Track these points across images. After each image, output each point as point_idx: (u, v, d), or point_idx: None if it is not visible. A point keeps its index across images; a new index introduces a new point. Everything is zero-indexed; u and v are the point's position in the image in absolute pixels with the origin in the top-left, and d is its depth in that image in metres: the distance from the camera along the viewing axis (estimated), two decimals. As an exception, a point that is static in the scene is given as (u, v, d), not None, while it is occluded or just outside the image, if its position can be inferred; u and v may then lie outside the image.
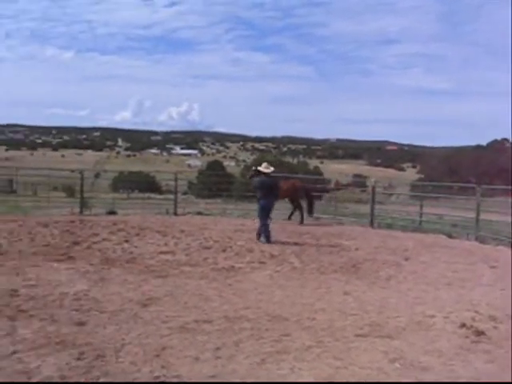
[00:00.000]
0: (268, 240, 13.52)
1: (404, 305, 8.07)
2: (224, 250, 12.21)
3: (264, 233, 13.64)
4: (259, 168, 14.53)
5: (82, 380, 4.93)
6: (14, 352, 5.51)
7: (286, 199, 18.79)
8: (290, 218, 18.61)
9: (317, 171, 67.48)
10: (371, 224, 18.15)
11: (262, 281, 9.45)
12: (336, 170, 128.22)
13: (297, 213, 18.60)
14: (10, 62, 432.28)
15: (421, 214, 19.22)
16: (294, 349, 5.92)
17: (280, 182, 17.36)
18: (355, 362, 5.57)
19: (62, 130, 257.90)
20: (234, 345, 5.99)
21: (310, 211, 18.74)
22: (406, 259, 11.99)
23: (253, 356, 5.66)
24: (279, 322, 6.94)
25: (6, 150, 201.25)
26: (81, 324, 6.55)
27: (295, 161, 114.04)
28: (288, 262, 11.18)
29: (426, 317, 7.42)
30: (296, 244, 13.44)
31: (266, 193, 13.87)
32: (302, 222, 18.03)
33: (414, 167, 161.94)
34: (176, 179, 21.33)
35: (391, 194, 35.34)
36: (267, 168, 14.32)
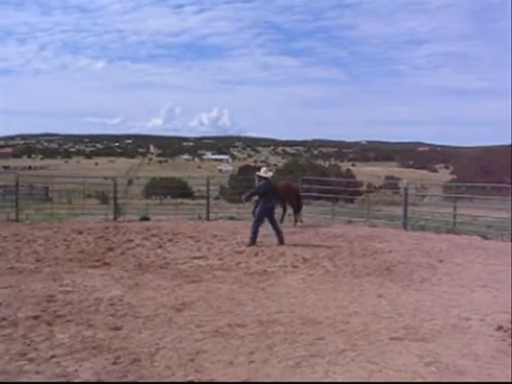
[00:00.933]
0: (253, 242, 13.57)
1: (439, 307, 7.98)
2: (256, 254, 12.23)
3: (254, 233, 13.70)
4: (259, 173, 14.61)
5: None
6: (53, 356, 5.62)
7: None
8: (296, 221, 18.32)
9: (349, 174, 67.09)
10: (404, 226, 17.97)
11: (295, 284, 9.44)
12: (368, 172, 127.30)
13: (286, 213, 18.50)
14: (45, 73, 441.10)
15: (454, 216, 18.94)
16: (328, 352, 5.90)
17: (279, 185, 17.43)
18: (390, 366, 5.53)
19: (94, 138, 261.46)
20: (268, 349, 6.00)
21: (297, 211, 18.32)
22: (440, 261, 11.85)
23: (286, 360, 5.66)
24: (313, 326, 6.93)
25: (42, 158, 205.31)
26: (116, 329, 6.64)
27: (327, 164, 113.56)
28: (321, 266, 11.14)
29: (462, 319, 7.32)
30: (329, 247, 13.39)
31: (271, 197, 14.07)
32: (281, 222, 17.40)
33: (446, 168, 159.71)
34: (208, 184, 21.43)
35: (424, 196, 35.01)
36: (266, 173, 14.50)
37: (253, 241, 13.63)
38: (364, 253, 12.76)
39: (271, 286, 9.25)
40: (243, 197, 14.96)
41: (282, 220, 17.53)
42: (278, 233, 13.96)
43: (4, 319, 6.92)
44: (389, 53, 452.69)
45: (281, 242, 13.79)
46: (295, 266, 11.09)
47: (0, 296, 8.10)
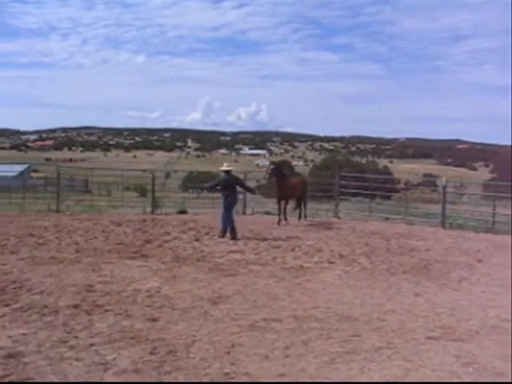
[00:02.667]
0: (235, 236, 13.73)
1: (477, 308, 7.87)
2: (293, 250, 12.24)
3: (230, 229, 13.87)
4: (221, 168, 14.90)
5: (155, 374, 5.06)
6: (92, 344, 5.75)
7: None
8: (300, 217, 17.92)
9: (386, 171, 66.40)
10: (442, 224, 17.76)
11: (331, 281, 9.43)
12: (406, 169, 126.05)
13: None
14: (87, 67, 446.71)
15: (494, 215, 18.61)
16: (364, 349, 5.89)
17: (292, 179, 17.67)
18: (426, 365, 5.49)
19: (134, 132, 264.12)
20: (303, 344, 6.01)
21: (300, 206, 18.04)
22: (479, 261, 11.68)
23: (322, 356, 5.66)
24: (349, 323, 6.91)
25: (82, 151, 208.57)
26: (153, 320, 6.73)
27: (364, 160, 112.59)
28: (357, 263, 11.09)
29: (501, 320, 7.21)
30: (366, 244, 13.32)
31: (231, 190, 14.27)
32: (306, 218, 17.76)
33: (486, 166, 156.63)
34: (245, 179, 21.49)
35: (463, 194, 34.44)
36: (228, 166, 14.75)
37: (222, 233, 13.85)
38: (401, 250, 12.66)
39: (307, 282, 9.25)
40: (205, 186, 16.17)
41: (300, 216, 17.65)
42: (232, 229, 13.93)
43: (46, 307, 7.10)
44: (429, 49, 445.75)
45: (234, 236, 13.80)
46: (332, 262, 11.06)
47: (42, 284, 8.30)
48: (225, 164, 15.06)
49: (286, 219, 16.92)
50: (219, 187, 14.74)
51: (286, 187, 16.77)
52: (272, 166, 16.98)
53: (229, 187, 14.24)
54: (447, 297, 8.51)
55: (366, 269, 10.58)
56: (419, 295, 8.54)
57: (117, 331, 6.25)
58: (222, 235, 13.83)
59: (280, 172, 16.97)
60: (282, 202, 16.98)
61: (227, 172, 14.52)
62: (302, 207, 17.93)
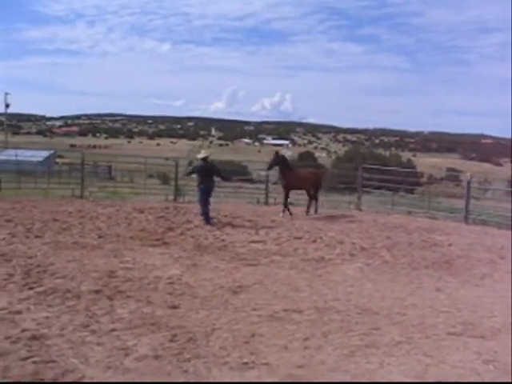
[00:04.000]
0: (208, 221, 13.94)
1: (499, 305, 7.78)
2: (314, 241, 12.21)
3: (203, 215, 14.15)
4: (197, 155, 15.20)
5: (175, 361, 5.11)
6: (113, 330, 5.83)
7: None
8: (308, 210, 17.40)
9: (410, 164, 65.86)
10: (465, 219, 17.56)
11: (352, 273, 9.40)
12: (429, 163, 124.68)
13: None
14: (112, 55, 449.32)
15: (518, 211, 18.35)
16: (384, 343, 5.88)
17: (300, 171, 17.69)
18: (446, 361, 5.46)
19: (157, 120, 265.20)
20: (323, 336, 6.02)
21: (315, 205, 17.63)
22: (502, 258, 11.52)
23: (341, 348, 5.66)
24: (369, 316, 6.90)
25: (106, 138, 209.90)
26: (174, 307, 6.79)
27: (387, 153, 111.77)
28: (379, 256, 11.03)
29: (524, 319, 7.12)
30: (387, 237, 13.23)
31: (206, 177, 14.41)
32: (316, 212, 17.29)
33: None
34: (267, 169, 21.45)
35: (487, 190, 34.05)
36: (204, 154, 14.90)
37: (206, 221, 14.00)
38: (423, 245, 12.56)
39: (328, 274, 9.24)
40: (184, 173, 16.23)
41: (308, 210, 17.24)
42: (204, 213, 14.21)
43: (69, 291, 7.20)
44: (456, 41, 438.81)
45: (207, 221, 14.02)
46: (353, 255, 11.02)
47: (65, 269, 8.41)
48: (202, 151, 15.29)
49: (289, 210, 16.51)
50: (195, 173, 15.03)
51: (290, 177, 16.62)
52: (273, 156, 16.85)
53: (204, 174, 14.43)
54: (469, 293, 8.44)
55: (387, 262, 10.52)
56: (441, 290, 8.48)
57: (138, 317, 6.32)
58: (208, 221, 13.99)
59: (283, 161, 16.85)
60: (286, 192, 16.78)
61: (204, 159, 14.73)
62: (314, 201, 17.55)
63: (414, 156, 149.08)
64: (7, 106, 70.77)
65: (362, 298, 7.79)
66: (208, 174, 14.47)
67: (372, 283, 8.73)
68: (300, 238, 12.47)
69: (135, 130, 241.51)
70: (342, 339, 5.95)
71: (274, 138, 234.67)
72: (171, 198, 19.81)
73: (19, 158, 27.50)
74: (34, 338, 5.46)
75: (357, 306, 7.32)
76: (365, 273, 9.52)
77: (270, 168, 17.29)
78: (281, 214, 16.22)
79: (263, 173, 22.40)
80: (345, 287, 8.36)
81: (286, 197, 16.73)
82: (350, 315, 6.87)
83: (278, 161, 16.62)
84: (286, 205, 16.58)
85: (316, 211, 17.37)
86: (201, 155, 14.91)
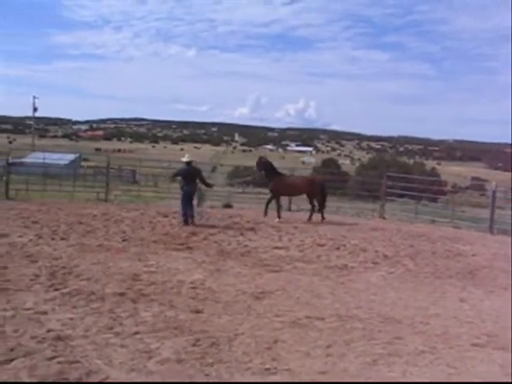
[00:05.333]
0: (186, 222, 14.45)
1: (524, 317, 7.68)
2: (337, 248, 12.18)
3: (183, 216, 14.65)
4: (182, 159, 15.68)
5: (197, 365, 5.13)
6: (137, 332, 5.87)
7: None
8: (311, 217, 17.21)
9: (433, 173, 65.39)
10: (490, 229, 17.39)
11: (375, 281, 9.35)
12: (453, 172, 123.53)
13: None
14: (138, 60, 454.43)
15: (544, 222, 18.09)
16: (406, 352, 5.83)
17: (298, 178, 17.90)
18: (470, 372, 5.41)
19: (182, 125, 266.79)
20: (345, 344, 6.00)
21: (321, 208, 17.41)
22: (527, 269, 11.38)
23: (364, 356, 5.64)
24: (391, 324, 6.85)
25: (131, 142, 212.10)
26: (197, 312, 6.82)
27: (411, 161, 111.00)
28: (402, 264, 10.97)
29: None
30: (410, 246, 13.15)
31: (189, 180, 15.03)
32: (310, 219, 17.00)
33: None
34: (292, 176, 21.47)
35: (513, 200, 33.59)
36: (187, 158, 15.42)
37: (184, 222, 14.48)
38: (447, 254, 12.45)
39: (351, 281, 9.21)
40: (170, 176, 17.29)
41: (310, 217, 17.07)
42: (191, 216, 14.73)
43: (93, 293, 7.27)
44: (482, 49, 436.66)
45: (192, 221, 14.62)
46: (376, 263, 10.97)
47: (90, 271, 8.50)
48: (186, 155, 15.79)
49: (278, 214, 16.72)
50: (179, 177, 15.65)
51: (276, 183, 16.86)
52: (258, 161, 17.44)
53: (188, 178, 15.02)
54: (493, 304, 8.34)
55: (410, 271, 10.46)
56: (464, 301, 8.40)
57: (161, 321, 6.36)
58: (186, 223, 14.43)
59: (267, 166, 17.18)
60: (275, 197, 17.05)
61: (188, 163, 15.22)
62: (313, 207, 17.42)
63: (439, 164, 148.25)
64: (35, 109, 71.96)
65: (384, 306, 7.75)
66: (191, 177, 15.07)
67: (395, 292, 8.68)
68: (323, 245, 12.45)
69: (160, 134, 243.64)
70: (365, 347, 5.92)
71: (297, 145, 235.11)
72: (195, 203, 19.87)
73: (45, 161, 27.85)
74: (59, 338, 5.53)
75: (379, 314, 7.28)
76: (388, 281, 9.46)
77: (256, 173, 17.90)
78: (276, 220, 16.34)
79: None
80: (367, 295, 8.33)
81: (278, 201, 17.01)
82: (372, 323, 6.84)
83: (262, 166, 17.10)
84: (278, 209, 16.85)
85: (309, 219, 17.14)
86: (185, 159, 15.42)
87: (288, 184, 17.09)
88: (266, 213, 16.88)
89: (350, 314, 7.16)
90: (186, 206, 14.75)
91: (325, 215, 17.20)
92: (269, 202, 17.14)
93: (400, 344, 6.11)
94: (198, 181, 15.24)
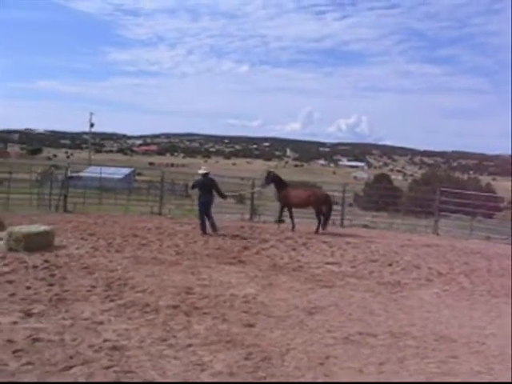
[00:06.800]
0: (203, 230, 15.05)
1: None
2: (390, 265, 12.04)
3: (201, 225, 15.23)
4: (199, 171, 16.11)
5: (249, 378, 5.16)
6: (190, 345, 5.95)
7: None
8: (318, 229, 17.18)
9: (489, 188, 63.79)
10: (549, 248, 16.85)
11: (429, 299, 9.20)
12: (510, 187, 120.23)
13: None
14: (191, 76, 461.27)
15: None
16: (462, 372, 5.72)
17: (303, 191, 18.17)
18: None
19: (234, 140, 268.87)
20: (399, 361, 5.92)
21: (324, 224, 17.41)
22: None
23: (417, 375, 5.56)
24: (446, 343, 6.73)
25: (183, 157, 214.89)
26: (249, 326, 6.86)
27: (465, 177, 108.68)
28: (456, 282, 10.76)
29: None
30: (465, 263, 12.88)
31: (205, 191, 15.44)
32: (317, 232, 16.95)
33: None
34: (344, 191, 21.40)
35: None
36: (204, 170, 15.90)
37: (203, 231, 15.07)
38: (503, 272, 12.12)
39: (404, 298, 9.09)
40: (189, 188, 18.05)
41: (317, 230, 17.07)
42: (212, 224, 15.26)
43: (147, 305, 7.41)
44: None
45: (214, 229, 15.14)
46: (429, 280, 10.79)
47: (144, 283, 8.66)
48: (202, 167, 16.25)
49: (278, 224, 17.74)
50: (196, 188, 15.88)
51: (285, 195, 17.38)
52: (265, 174, 18.09)
53: (204, 189, 15.45)
54: (553, 324, 8.09)
55: (465, 289, 10.25)
56: (522, 320, 8.17)
57: (214, 334, 6.42)
58: (203, 232, 14.99)
59: (275, 180, 17.73)
60: (284, 209, 17.71)
61: (204, 175, 15.67)
62: (320, 219, 17.44)
63: (494, 180, 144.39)
64: (91, 125, 73.90)
65: (438, 324, 7.62)
66: (207, 188, 15.47)
67: (449, 310, 8.52)
68: (376, 261, 12.33)
69: (212, 149, 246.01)
70: (418, 366, 5.83)
71: (349, 160, 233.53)
72: (247, 217, 20.03)
73: (101, 175, 28.53)
74: (114, 348, 5.66)
75: (433, 332, 7.17)
76: (442, 299, 9.30)
77: (263, 186, 18.55)
78: (277, 226, 17.33)
79: (337, 194, 22.39)
80: (421, 313, 8.21)
81: (281, 211, 17.88)
82: (426, 342, 6.73)
83: (271, 179, 17.74)
84: (279, 218, 18.05)
85: (320, 229, 17.21)
86: (202, 171, 15.83)
87: (294, 196, 17.41)
88: (278, 223, 17.93)
89: (403, 332, 7.07)
90: (203, 215, 15.24)
91: (376, 231, 17.06)
92: (281, 212, 17.94)
93: (455, 363, 5.99)
94: (214, 192, 15.71)
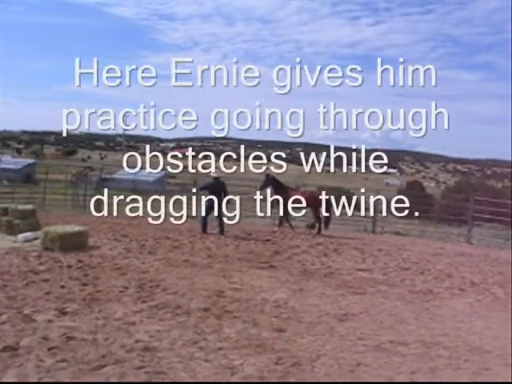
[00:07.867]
0: (204, 230, 15.60)
1: None
2: (422, 273, 11.90)
3: (202, 225, 15.82)
4: (211, 174, 17.01)
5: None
6: (220, 348, 5.97)
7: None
8: (320, 230, 17.66)
9: (526, 198, 62.62)
10: None
11: (462, 308, 9.07)
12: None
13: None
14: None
15: None
16: (495, 384, 5.63)
17: (299, 192, 18.41)
18: None
19: (266, 144, 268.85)
20: (430, 371, 5.85)
21: (326, 226, 17.84)
22: None
23: (450, 385, 5.49)
24: (479, 354, 6.62)
25: (216, 160, 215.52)
26: (280, 331, 6.86)
27: (500, 185, 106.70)
28: (490, 292, 10.56)
29: None
30: (500, 273, 12.64)
31: (215, 194, 15.88)
32: (318, 233, 17.37)
33: None
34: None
35: None
36: (215, 173, 16.76)
37: (203, 230, 15.65)
38: (539, 283, 11.88)
39: (436, 307, 8.98)
40: (197, 189, 19.06)
41: (318, 230, 17.43)
42: (220, 225, 15.93)
43: (179, 307, 7.47)
44: None
45: (221, 232, 15.64)
46: (462, 289, 10.63)
47: (176, 285, 8.74)
48: (213, 171, 17.17)
49: (279, 225, 18.11)
50: (207, 189, 16.44)
51: (286, 197, 17.62)
52: (265, 177, 18.28)
53: (214, 191, 15.92)
54: None
55: (499, 299, 10.06)
56: (559, 334, 8.00)
57: (244, 338, 6.43)
58: (204, 231, 15.59)
59: (274, 182, 18.00)
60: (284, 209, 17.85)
61: (215, 178, 16.29)
62: (318, 220, 17.84)
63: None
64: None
65: (471, 334, 7.49)
66: (217, 191, 15.94)
67: (483, 320, 8.38)
68: (407, 269, 12.21)
69: (244, 153, 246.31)
70: (450, 376, 5.74)
71: (381, 166, 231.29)
72: (277, 222, 19.97)
73: (134, 177, 28.83)
74: (146, 349, 5.72)
75: (466, 343, 7.06)
76: (475, 309, 9.15)
77: (261, 189, 18.64)
78: (275, 228, 17.69)
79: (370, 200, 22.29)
80: (454, 322, 8.09)
81: (285, 213, 18.02)
82: (458, 352, 6.63)
83: (269, 182, 18.02)
84: (280, 220, 18.24)
85: (318, 232, 17.54)
86: (213, 175, 16.57)
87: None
88: (279, 224, 18.19)
89: (435, 341, 6.98)
90: (206, 215, 15.85)
91: (408, 239, 16.94)
92: (283, 213, 18.08)
93: (488, 375, 5.89)
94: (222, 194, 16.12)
